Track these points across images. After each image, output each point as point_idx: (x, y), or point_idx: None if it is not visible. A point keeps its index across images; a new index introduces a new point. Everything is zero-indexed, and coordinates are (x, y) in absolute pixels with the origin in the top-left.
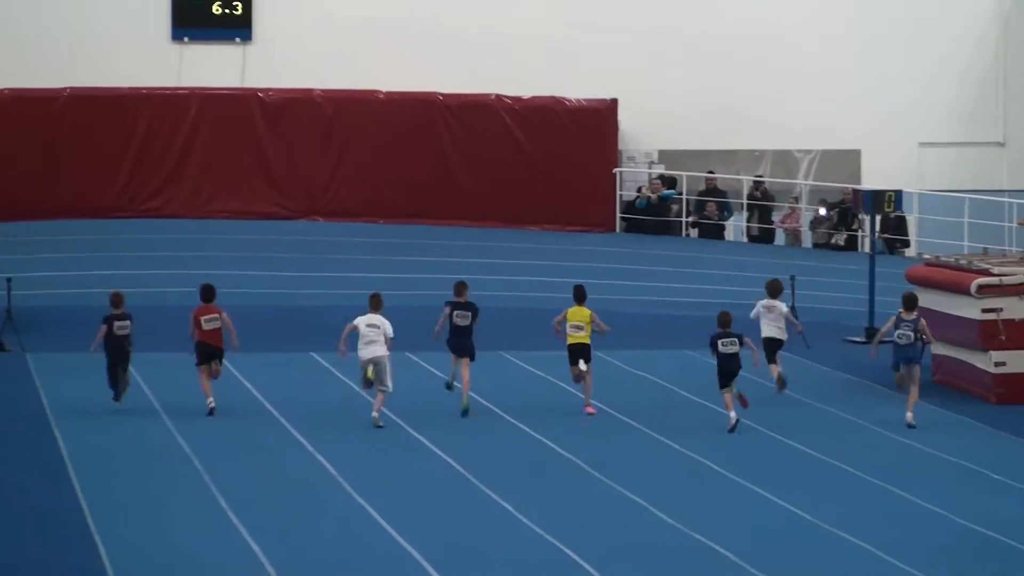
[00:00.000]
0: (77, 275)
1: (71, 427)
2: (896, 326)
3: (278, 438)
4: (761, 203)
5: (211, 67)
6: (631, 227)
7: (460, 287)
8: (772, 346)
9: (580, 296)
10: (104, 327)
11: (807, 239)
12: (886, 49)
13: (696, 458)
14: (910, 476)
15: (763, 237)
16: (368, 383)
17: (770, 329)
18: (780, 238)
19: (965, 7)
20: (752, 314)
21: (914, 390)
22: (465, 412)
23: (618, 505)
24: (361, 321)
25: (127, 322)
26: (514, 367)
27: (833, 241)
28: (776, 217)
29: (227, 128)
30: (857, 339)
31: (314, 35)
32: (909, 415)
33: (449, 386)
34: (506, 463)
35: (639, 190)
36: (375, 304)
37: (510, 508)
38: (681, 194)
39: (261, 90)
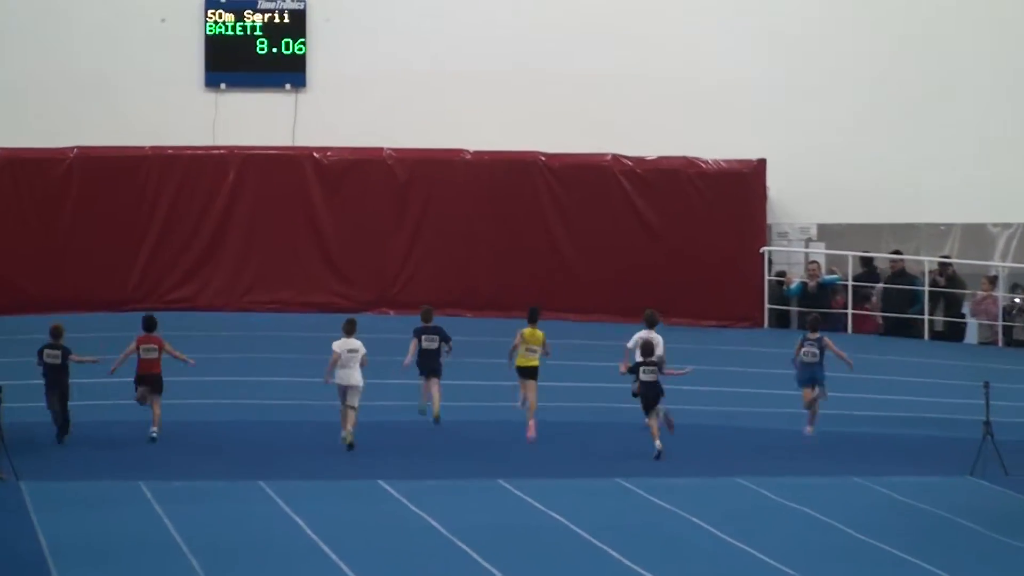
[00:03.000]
0: (83, 383)
1: (75, 574)
2: (802, 345)
3: None
4: (946, 290)
5: (254, 120)
6: (781, 320)
7: (426, 313)
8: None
9: (534, 317)
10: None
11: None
12: None
13: None
14: None
15: (950, 333)
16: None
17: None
18: (972, 332)
19: None
20: (631, 344)
21: (816, 408)
22: (437, 420)
23: None
24: (340, 347)
25: (57, 351)
26: (633, 496)
27: None
28: (966, 306)
29: (274, 197)
30: None
31: (383, 81)
32: (809, 428)
33: (422, 411)
34: None
35: (781, 274)
36: (350, 329)
37: None
38: (847, 280)
39: (317, 149)
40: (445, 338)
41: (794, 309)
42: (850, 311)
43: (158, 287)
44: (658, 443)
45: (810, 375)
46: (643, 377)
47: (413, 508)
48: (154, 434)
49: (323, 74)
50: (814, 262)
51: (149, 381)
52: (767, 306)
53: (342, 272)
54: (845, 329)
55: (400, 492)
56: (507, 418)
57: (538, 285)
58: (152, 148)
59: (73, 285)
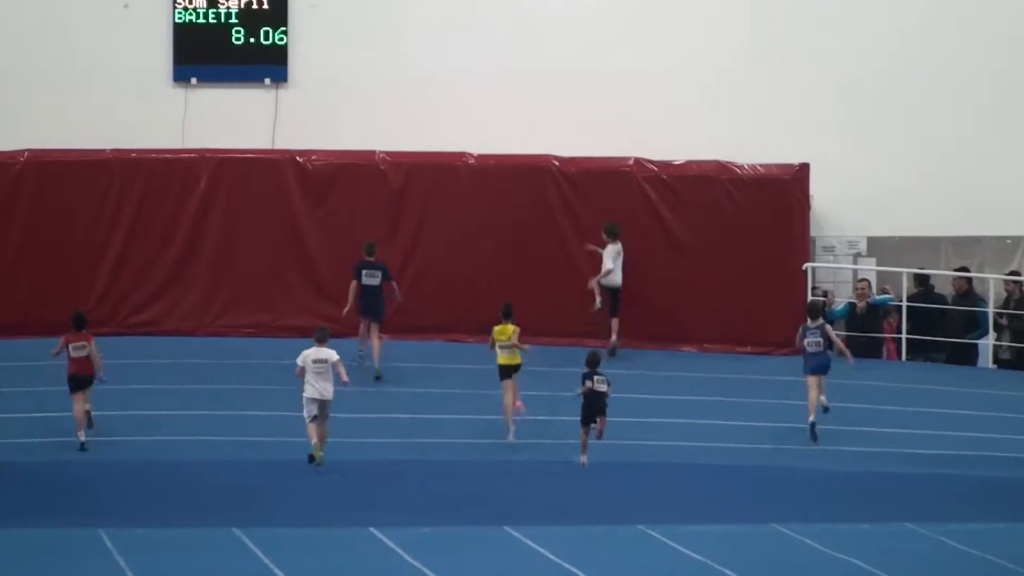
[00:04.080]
0: (30, 418)
1: None
2: (804, 335)
3: None
4: (1016, 312)
5: (229, 120)
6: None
7: (370, 247)
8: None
9: (507, 313)
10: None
11: None
12: None
13: None
14: None
15: (1019, 361)
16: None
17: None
18: None
19: None
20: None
21: (814, 394)
22: (378, 377)
23: None
24: (307, 357)
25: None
26: (657, 545)
27: None
28: None
29: (252, 207)
30: None
31: (376, 75)
32: (823, 398)
33: (362, 357)
34: None
35: (825, 294)
36: (321, 337)
37: None
38: (901, 300)
39: (301, 152)
40: (388, 276)
41: (840, 333)
42: (904, 336)
43: (119, 309)
44: (584, 458)
45: (817, 364)
46: (596, 388)
47: (409, 559)
48: (82, 438)
49: (307, 68)
50: (863, 280)
51: (83, 383)
52: None
53: (328, 292)
54: (898, 355)
55: (394, 541)
56: (511, 457)
57: (551, 306)
58: (113, 152)
59: (21, 307)
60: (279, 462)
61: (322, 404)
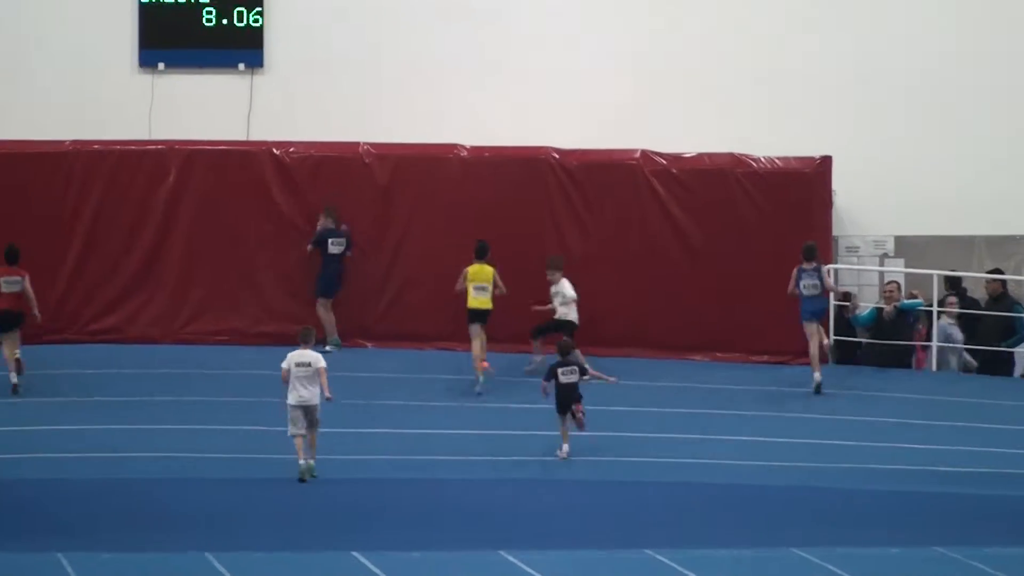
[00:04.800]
0: None
1: None
2: (800, 277)
3: None
4: None
5: (200, 108)
6: (847, 355)
7: (333, 211)
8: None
9: (482, 251)
10: None
11: None
12: None
13: None
14: None
15: None
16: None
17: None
18: None
19: None
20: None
21: (814, 345)
22: (338, 346)
23: None
24: (292, 360)
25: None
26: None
27: None
28: None
29: (225, 203)
30: None
31: (360, 61)
32: (817, 375)
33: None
34: None
35: (847, 296)
36: (306, 337)
37: None
38: (931, 305)
39: (278, 144)
40: (350, 246)
41: (865, 341)
42: (935, 344)
43: (80, 314)
44: (566, 447)
45: (813, 309)
46: (562, 379)
47: None
48: (14, 380)
49: (285, 52)
50: (892, 283)
51: (11, 320)
52: (832, 337)
53: (307, 296)
54: (929, 365)
55: (380, 566)
56: (511, 475)
57: (550, 311)
58: (73, 143)
59: None
60: (254, 480)
61: (307, 410)
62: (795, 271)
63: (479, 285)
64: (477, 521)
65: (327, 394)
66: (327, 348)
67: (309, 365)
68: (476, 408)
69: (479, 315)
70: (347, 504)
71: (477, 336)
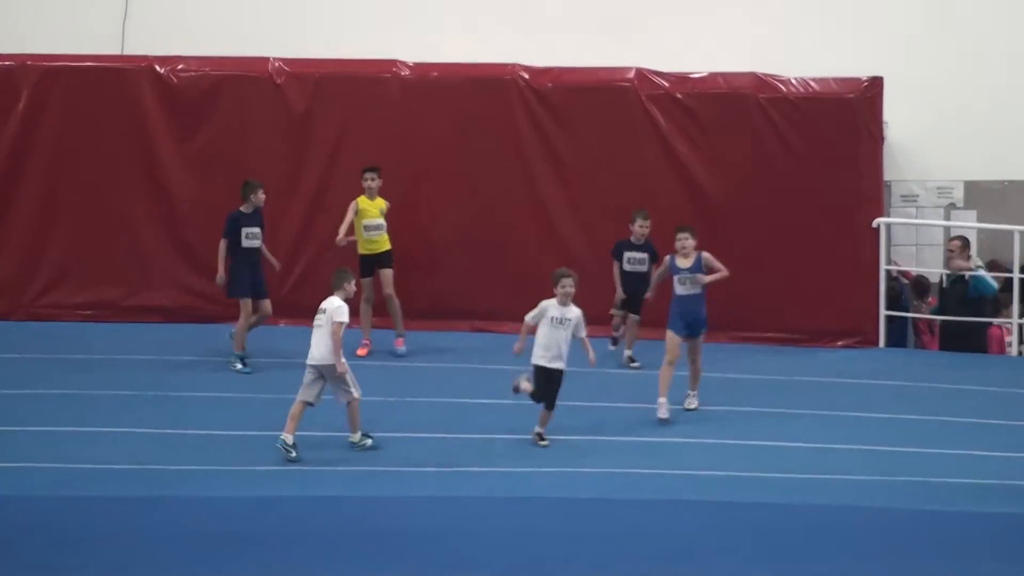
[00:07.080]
0: None
1: None
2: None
3: None
4: None
5: (61, 17)
6: (898, 335)
7: (254, 187)
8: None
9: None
10: None
11: None
12: None
13: None
14: None
15: None
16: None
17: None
18: None
19: None
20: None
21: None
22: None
23: None
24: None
25: None
26: None
27: None
28: None
29: (93, 136)
30: None
31: None
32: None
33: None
34: None
35: (897, 277)
36: (338, 281)
37: None
38: (1010, 271)
39: (162, 59)
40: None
41: (925, 317)
42: (1016, 321)
43: None
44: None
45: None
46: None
47: None
48: None
49: None
50: (957, 239)
51: None
52: (883, 313)
53: (202, 259)
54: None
55: None
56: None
57: (517, 281)
58: None
59: None
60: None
61: (321, 371)
62: (665, 260)
63: (372, 224)
64: (426, 553)
65: (339, 358)
66: (234, 364)
67: (324, 311)
68: (457, 404)
69: (376, 260)
70: (310, 527)
71: (388, 284)
